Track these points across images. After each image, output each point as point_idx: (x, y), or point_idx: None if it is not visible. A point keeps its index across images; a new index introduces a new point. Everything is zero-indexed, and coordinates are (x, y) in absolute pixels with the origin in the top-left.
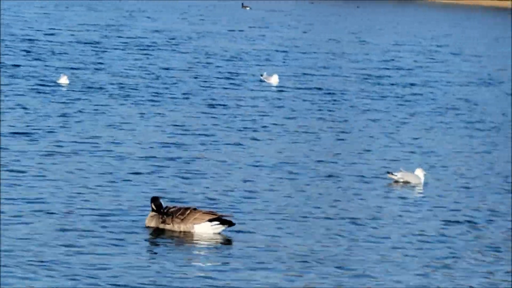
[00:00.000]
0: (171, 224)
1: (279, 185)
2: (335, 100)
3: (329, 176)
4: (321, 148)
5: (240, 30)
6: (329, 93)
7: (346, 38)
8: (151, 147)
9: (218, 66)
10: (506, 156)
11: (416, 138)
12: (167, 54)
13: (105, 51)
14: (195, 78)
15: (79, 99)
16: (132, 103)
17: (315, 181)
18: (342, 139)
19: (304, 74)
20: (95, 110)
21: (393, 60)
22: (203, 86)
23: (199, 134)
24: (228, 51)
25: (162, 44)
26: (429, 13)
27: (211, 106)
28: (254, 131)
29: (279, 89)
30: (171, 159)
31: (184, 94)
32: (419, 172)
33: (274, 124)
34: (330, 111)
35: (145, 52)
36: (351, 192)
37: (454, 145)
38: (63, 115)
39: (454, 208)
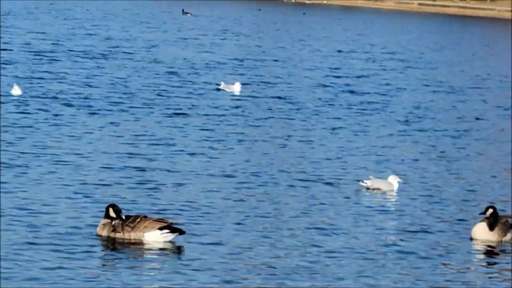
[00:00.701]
0: (122, 232)
1: (238, 194)
2: (296, 109)
3: (291, 186)
4: (284, 156)
5: (195, 38)
6: (289, 102)
7: (298, 46)
8: (109, 158)
9: (174, 75)
10: (464, 163)
11: (375, 146)
12: (119, 63)
13: (56, 61)
14: (151, 87)
15: (36, 109)
16: (89, 113)
17: (277, 190)
18: (303, 148)
19: (262, 82)
20: (50, 120)
21: (345, 66)
22: (161, 96)
23: (158, 144)
24: (183, 60)
25: (114, 53)
26: (373, 19)
27: (170, 115)
28: (215, 140)
29: (240, 97)
30: (129, 169)
31: (142, 103)
32: (393, 179)
33: (235, 132)
34: (289, 119)
35: (97, 61)
36: (318, 201)
37: (412, 152)
38: (18, 126)
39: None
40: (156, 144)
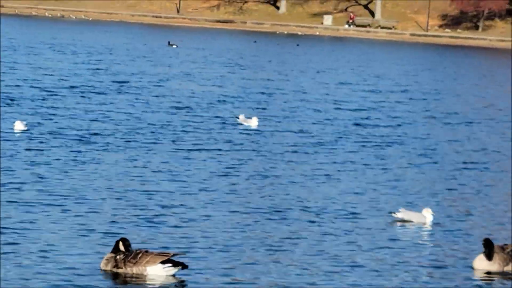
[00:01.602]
0: (124, 267)
1: (257, 229)
2: (314, 143)
3: (312, 221)
4: (304, 190)
5: (199, 72)
6: (305, 135)
7: (302, 78)
8: (123, 193)
9: (186, 109)
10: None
11: (397, 179)
12: (129, 97)
13: (57, 96)
14: (164, 121)
15: (44, 146)
16: (100, 149)
17: (299, 224)
18: (323, 181)
19: (276, 115)
20: (62, 156)
21: (352, 98)
22: (175, 130)
23: (174, 180)
24: (194, 94)
25: (122, 88)
26: (366, 49)
27: (187, 150)
28: (234, 175)
29: (258, 131)
30: (141, 203)
31: (156, 138)
32: (426, 212)
33: (254, 167)
34: (306, 153)
35: (105, 96)
36: (348, 235)
37: (436, 185)
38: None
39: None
40: (173, 180)
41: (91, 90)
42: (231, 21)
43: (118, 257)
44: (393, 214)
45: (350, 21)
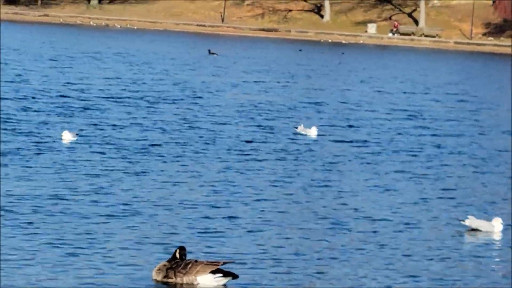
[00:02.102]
0: (174, 278)
1: (313, 240)
2: (375, 153)
3: (375, 231)
4: (369, 200)
5: (255, 81)
6: (368, 145)
7: (359, 87)
8: (179, 203)
9: (248, 119)
10: None
11: (469, 187)
12: (176, 107)
13: (107, 106)
14: (225, 132)
15: (96, 156)
16: (155, 159)
17: (361, 236)
18: (388, 191)
19: (336, 125)
20: (115, 167)
21: (414, 107)
22: (238, 140)
23: (234, 192)
24: (252, 104)
25: (167, 98)
26: (412, 58)
27: (247, 160)
28: (290, 184)
29: (317, 141)
30: (199, 215)
31: (209, 148)
32: (496, 221)
33: (315, 177)
34: (369, 163)
35: (155, 106)
36: (421, 243)
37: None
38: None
39: None
40: (230, 190)
41: (141, 100)
42: (275, 30)
43: (168, 268)
44: (462, 222)
45: (394, 29)
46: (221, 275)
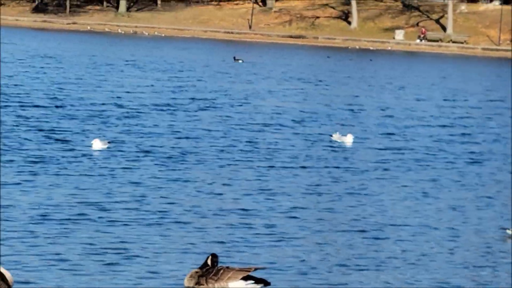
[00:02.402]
0: (206, 284)
1: (346, 248)
2: (412, 159)
3: (406, 240)
4: (406, 208)
5: (276, 87)
6: (401, 153)
7: (393, 94)
8: (214, 211)
9: (281, 126)
10: None
11: (487, 197)
12: (209, 115)
13: (140, 113)
14: (259, 139)
15: (129, 164)
16: (189, 167)
17: (398, 244)
18: (425, 199)
19: (371, 133)
20: (150, 175)
21: (450, 115)
22: (274, 148)
23: (269, 198)
24: (285, 111)
25: (199, 105)
26: (441, 64)
27: (285, 167)
28: (326, 192)
29: (353, 149)
30: (233, 222)
31: (244, 156)
32: None
33: (350, 186)
34: (409, 170)
35: (187, 114)
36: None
37: None
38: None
39: None
40: (269, 199)
41: (172, 107)
42: (303, 37)
43: (200, 274)
44: (507, 231)
45: (422, 35)
46: (253, 281)
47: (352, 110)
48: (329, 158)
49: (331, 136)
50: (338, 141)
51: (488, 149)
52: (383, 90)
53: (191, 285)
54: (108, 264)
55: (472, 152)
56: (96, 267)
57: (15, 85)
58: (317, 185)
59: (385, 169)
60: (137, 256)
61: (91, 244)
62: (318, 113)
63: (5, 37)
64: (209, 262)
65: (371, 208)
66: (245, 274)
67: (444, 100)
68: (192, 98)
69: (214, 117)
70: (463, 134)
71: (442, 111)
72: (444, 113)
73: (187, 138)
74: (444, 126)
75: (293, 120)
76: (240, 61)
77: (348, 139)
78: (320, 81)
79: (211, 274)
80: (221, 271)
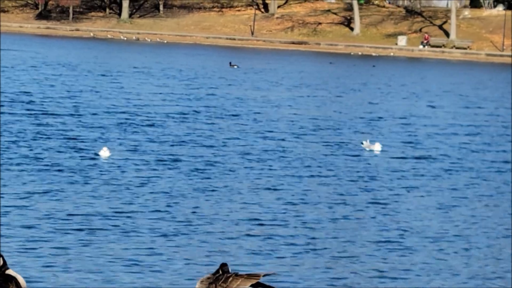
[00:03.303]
0: None
1: (371, 259)
2: (444, 169)
3: (437, 248)
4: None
5: (301, 96)
6: (430, 162)
7: (408, 101)
8: (238, 220)
9: (304, 135)
10: None
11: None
12: (225, 123)
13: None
14: (282, 146)
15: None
16: (214, 176)
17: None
18: (442, 206)
19: (396, 141)
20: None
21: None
22: (300, 155)
23: (294, 203)
24: (307, 119)
25: (211, 113)
26: (446, 70)
27: (312, 176)
28: (351, 202)
29: (383, 157)
30: (259, 232)
31: (270, 165)
32: None
33: (384, 195)
34: (434, 179)
35: (195, 122)
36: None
37: None
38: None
39: None
40: (296, 208)
41: (187, 115)
42: (305, 43)
43: (210, 281)
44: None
45: (425, 41)
46: None
47: (375, 118)
48: (361, 166)
49: (362, 144)
50: (367, 149)
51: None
52: (396, 96)
53: None
54: (127, 272)
55: (499, 161)
56: (114, 274)
57: (26, 92)
58: (345, 193)
59: (414, 176)
60: (154, 264)
61: (113, 252)
62: (337, 120)
63: (13, 43)
64: (220, 272)
65: (397, 216)
66: (254, 281)
67: (464, 107)
68: (207, 106)
69: (233, 125)
70: (487, 143)
71: (465, 119)
72: (463, 121)
73: (209, 146)
74: (469, 134)
75: (314, 128)
76: (235, 67)
77: (377, 147)
78: (337, 88)
79: (221, 281)
80: (230, 278)
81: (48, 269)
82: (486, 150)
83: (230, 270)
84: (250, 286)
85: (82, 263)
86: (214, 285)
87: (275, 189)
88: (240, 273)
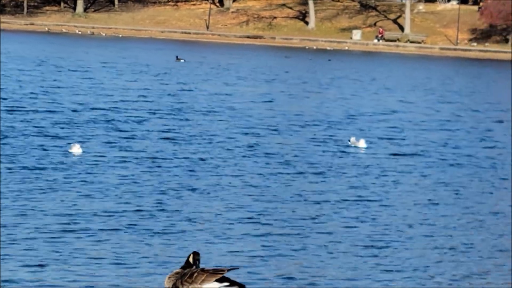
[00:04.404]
0: (182, 286)
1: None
2: (426, 166)
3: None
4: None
5: (252, 89)
6: (415, 157)
7: (378, 95)
8: (242, 219)
9: (275, 131)
10: None
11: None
12: (210, 118)
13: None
14: (271, 144)
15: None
16: (209, 174)
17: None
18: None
19: (380, 137)
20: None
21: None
22: (296, 154)
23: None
24: (266, 114)
25: (179, 109)
26: (401, 64)
27: (306, 173)
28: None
29: (368, 154)
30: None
31: (260, 161)
32: None
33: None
34: (423, 176)
35: (194, 116)
36: None
37: None
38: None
39: None
40: (284, 207)
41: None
42: (260, 37)
43: (178, 277)
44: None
45: (379, 35)
46: (228, 284)
47: (349, 114)
48: (348, 163)
49: (349, 141)
50: (353, 145)
51: (487, 153)
52: (365, 91)
53: (169, 286)
54: (129, 274)
55: (483, 158)
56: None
57: None
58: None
59: (403, 174)
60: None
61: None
62: (313, 116)
63: None
64: (190, 259)
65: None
66: (219, 276)
67: (433, 102)
68: (181, 102)
69: (213, 122)
70: (459, 138)
71: (433, 113)
72: (438, 115)
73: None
74: (445, 129)
75: (291, 124)
76: (182, 60)
77: (361, 144)
78: (303, 83)
79: (186, 277)
80: (195, 274)
81: (25, 268)
82: (465, 145)
83: (199, 260)
84: (215, 281)
85: (60, 262)
86: (180, 281)
87: (258, 186)
88: (206, 268)
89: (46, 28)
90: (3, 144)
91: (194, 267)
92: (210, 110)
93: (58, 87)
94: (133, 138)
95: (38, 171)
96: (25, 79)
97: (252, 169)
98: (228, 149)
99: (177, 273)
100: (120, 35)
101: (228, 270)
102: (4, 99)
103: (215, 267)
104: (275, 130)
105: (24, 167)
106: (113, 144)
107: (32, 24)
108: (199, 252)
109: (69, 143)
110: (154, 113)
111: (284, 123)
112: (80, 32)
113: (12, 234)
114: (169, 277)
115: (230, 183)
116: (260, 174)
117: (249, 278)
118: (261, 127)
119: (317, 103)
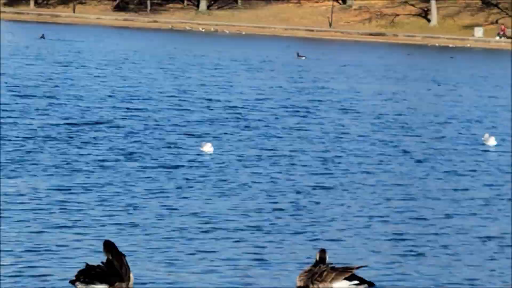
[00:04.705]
0: (312, 285)
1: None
2: None
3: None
4: None
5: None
6: None
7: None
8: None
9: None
10: None
11: None
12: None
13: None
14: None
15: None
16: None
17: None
18: None
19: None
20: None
21: None
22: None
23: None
24: (406, 112)
25: (312, 107)
26: None
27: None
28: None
29: (497, 151)
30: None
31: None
32: None
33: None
34: None
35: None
36: None
37: None
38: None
39: None
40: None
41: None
42: (382, 34)
43: (308, 276)
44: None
45: (501, 32)
46: (357, 282)
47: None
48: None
49: (483, 139)
50: (486, 143)
51: None
52: (499, 89)
53: (301, 285)
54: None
55: None
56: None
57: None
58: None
59: None
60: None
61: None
62: (450, 115)
63: (97, 35)
64: (317, 257)
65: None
66: (348, 274)
67: None
68: (319, 100)
69: (344, 119)
70: None
71: None
72: None
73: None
74: None
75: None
76: (304, 58)
77: (491, 141)
78: (434, 81)
79: (316, 276)
80: (325, 272)
81: (161, 268)
82: None
83: (327, 258)
84: (345, 279)
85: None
86: (310, 280)
87: (389, 185)
88: (335, 266)
89: (170, 26)
90: (135, 141)
91: (322, 265)
92: (340, 108)
93: (189, 85)
94: (264, 136)
95: (170, 170)
96: (159, 77)
97: (385, 168)
98: (361, 147)
99: (306, 272)
100: (243, 33)
101: (357, 268)
102: (136, 98)
103: (344, 265)
104: (409, 128)
105: (158, 166)
106: (244, 142)
107: (155, 21)
108: (326, 250)
109: (202, 142)
110: (286, 111)
111: (416, 120)
112: (203, 30)
113: (149, 233)
114: (300, 276)
115: (364, 180)
116: (392, 172)
117: (378, 276)
118: (396, 124)
119: (446, 100)
